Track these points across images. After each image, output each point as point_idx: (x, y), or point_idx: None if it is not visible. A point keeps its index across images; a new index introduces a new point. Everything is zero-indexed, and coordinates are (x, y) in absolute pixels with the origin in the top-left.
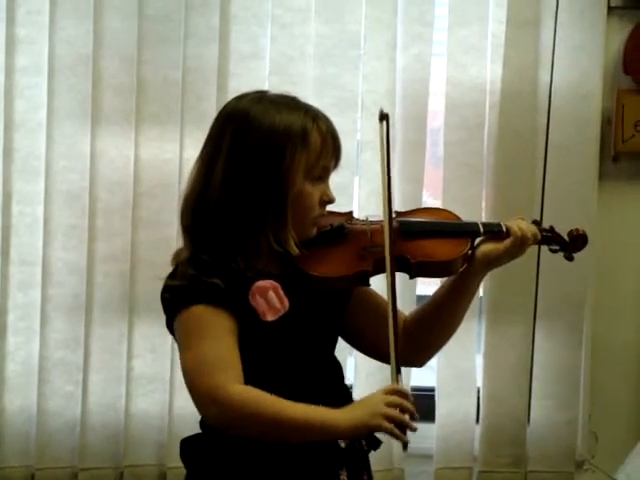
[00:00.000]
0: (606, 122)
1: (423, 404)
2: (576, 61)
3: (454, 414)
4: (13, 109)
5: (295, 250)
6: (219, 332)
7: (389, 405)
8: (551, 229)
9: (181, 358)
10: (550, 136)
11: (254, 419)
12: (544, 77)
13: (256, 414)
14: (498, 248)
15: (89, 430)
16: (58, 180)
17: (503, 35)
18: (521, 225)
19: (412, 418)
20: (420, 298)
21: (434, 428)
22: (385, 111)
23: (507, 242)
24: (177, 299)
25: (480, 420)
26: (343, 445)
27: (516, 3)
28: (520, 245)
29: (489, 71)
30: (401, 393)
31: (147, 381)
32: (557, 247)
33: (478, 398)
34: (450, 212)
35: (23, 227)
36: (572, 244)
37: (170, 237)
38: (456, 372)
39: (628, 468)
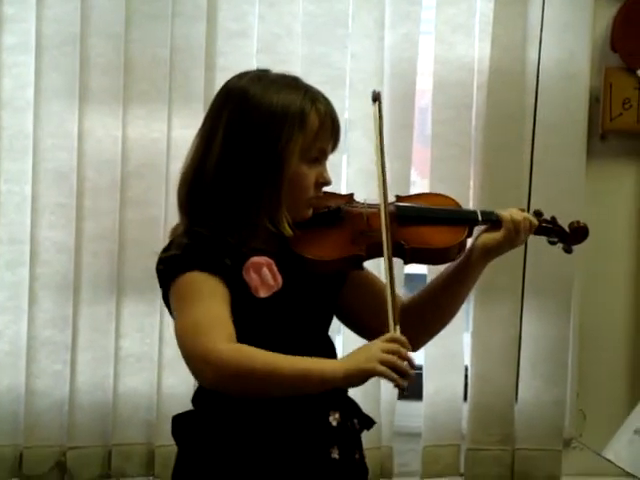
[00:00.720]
0: (594, 100)
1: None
2: (564, 39)
3: (442, 392)
4: (0, 88)
5: (288, 231)
6: (212, 296)
7: (385, 351)
8: (552, 220)
9: (175, 325)
10: (538, 115)
11: (250, 375)
12: (532, 55)
13: (251, 370)
14: (495, 237)
15: (77, 409)
16: (46, 159)
17: (491, 13)
18: (513, 214)
19: (410, 365)
20: (408, 277)
21: (422, 406)
22: (377, 90)
23: (503, 230)
24: (171, 268)
25: (468, 398)
26: (335, 424)
27: None
28: (515, 233)
29: (477, 50)
30: (398, 341)
31: (135, 360)
32: (556, 239)
33: (466, 376)
34: (452, 199)
35: (11, 206)
36: (572, 236)
37: (158, 216)
38: (444, 351)
39: (616, 446)
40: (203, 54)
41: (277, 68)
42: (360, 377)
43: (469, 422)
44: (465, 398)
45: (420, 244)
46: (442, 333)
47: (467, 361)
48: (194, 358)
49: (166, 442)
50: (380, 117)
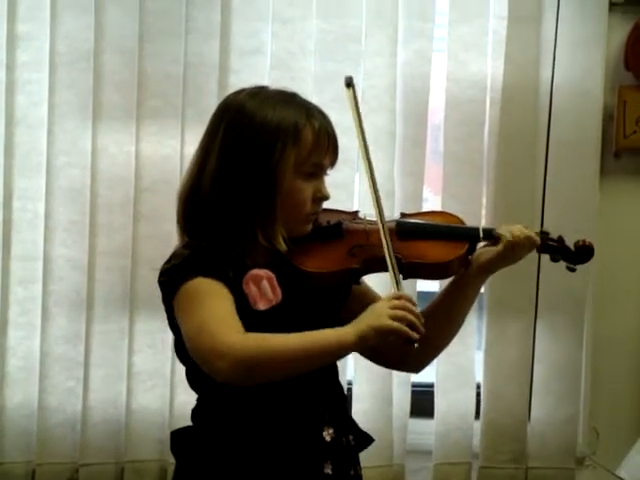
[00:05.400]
0: (608, 118)
1: (422, 400)
2: (577, 57)
3: (453, 410)
4: (14, 105)
5: (282, 246)
6: (217, 297)
7: (393, 307)
8: (559, 239)
9: (183, 331)
10: (551, 132)
11: (264, 358)
12: (545, 73)
13: (263, 352)
14: (491, 252)
15: (90, 426)
16: (59, 176)
17: (504, 31)
18: (514, 230)
19: (419, 319)
20: (421, 294)
21: (433, 424)
22: (349, 75)
23: (499, 247)
24: (174, 277)
25: (480, 416)
26: (328, 439)
27: None
28: (512, 250)
29: (490, 67)
30: (403, 297)
31: (148, 377)
32: (559, 256)
33: (478, 394)
34: (456, 217)
35: (24, 223)
36: (577, 255)
37: (171, 233)
38: (455, 368)
39: (629, 464)
40: (216, 71)
41: (289, 85)
42: (373, 335)
43: (481, 440)
44: (477, 416)
45: (417, 258)
46: (454, 350)
47: (480, 378)
48: (206, 354)
49: None
50: (356, 103)
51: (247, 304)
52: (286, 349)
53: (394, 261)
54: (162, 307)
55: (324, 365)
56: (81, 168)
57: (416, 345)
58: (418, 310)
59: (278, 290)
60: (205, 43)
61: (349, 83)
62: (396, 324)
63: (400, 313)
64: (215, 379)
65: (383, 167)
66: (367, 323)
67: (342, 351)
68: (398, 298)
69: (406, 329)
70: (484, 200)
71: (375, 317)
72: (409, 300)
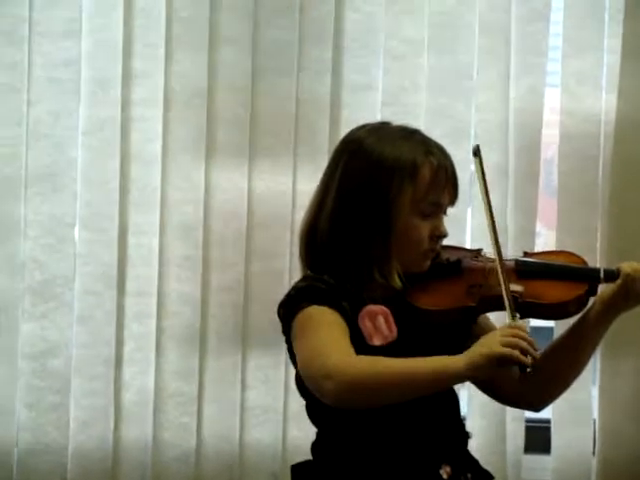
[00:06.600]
0: None
1: (539, 436)
2: None
3: (570, 446)
4: (129, 141)
5: (397, 283)
6: (331, 324)
7: (505, 336)
8: None
9: (298, 358)
10: None
11: (371, 382)
12: None
13: (370, 376)
14: (612, 289)
15: (204, 460)
16: (173, 212)
17: (618, 65)
18: (635, 265)
19: (532, 347)
20: (535, 330)
21: (550, 460)
22: (477, 144)
23: (619, 281)
24: (290, 307)
25: (596, 453)
26: (445, 477)
27: (631, 33)
28: (633, 283)
29: (604, 101)
30: (517, 326)
31: (261, 411)
32: None
33: (594, 431)
34: (579, 257)
35: (139, 259)
36: None
37: (283, 268)
38: (572, 403)
39: None
40: (328, 107)
41: (401, 120)
42: (483, 363)
43: (597, 478)
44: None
45: (534, 298)
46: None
47: (595, 414)
48: (315, 375)
49: None
50: (482, 171)
51: (362, 339)
52: (395, 374)
53: (510, 299)
54: (274, 343)
55: (433, 392)
56: (195, 204)
57: (529, 370)
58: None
59: (394, 326)
60: (317, 79)
61: (476, 152)
62: (507, 350)
63: (512, 340)
64: (324, 402)
65: (495, 202)
66: (478, 350)
67: (451, 378)
68: (512, 328)
69: (517, 353)
70: (599, 234)
71: (487, 345)
72: (521, 328)
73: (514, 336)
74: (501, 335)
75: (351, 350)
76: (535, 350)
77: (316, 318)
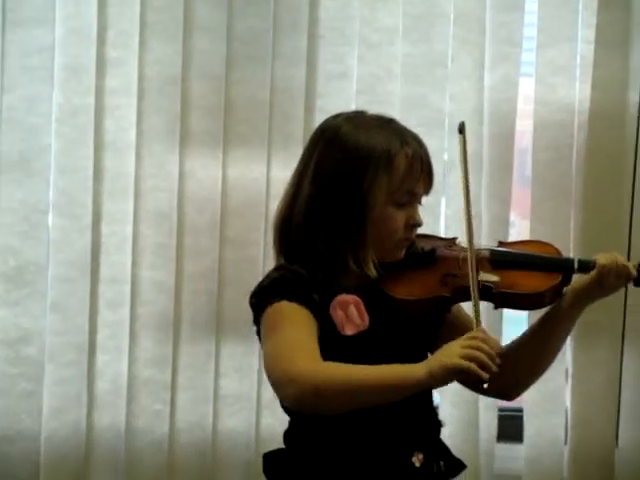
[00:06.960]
0: None
1: (511, 424)
2: None
3: (543, 435)
4: (103, 129)
5: (372, 272)
6: (298, 324)
7: (466, 347)
8: None
9: (263, 353)
10: (639, 156)
11: (332, 389)
12: (633, 97)
13: (331, 383)
14: (585, 280)
15: (177, 448)
16: (147, 200)
17: (592, 55)
18: (609, 257)
19: (491, 360)
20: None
21: (522, 448)
22: (462, 121)
23: (593, 272)
24: (261, 300)
25: (568, 441)
26: (418, 464)
27: (605, 23)
28: (606, 276)
29: (577, 91)
30: (478, 337)
31: (234, 399)
32: None
33: (566, 419)
34: (553, 247)
35: (112, 246)
36: None
37: (257, 256)
38: (544, 392)
39: None
40: (303, 96)
41: (375, 109)
42: (443, 374)
43: (569, 465)
44: (565, 441)
45: (509, 288)
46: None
47: (567, 403)
48: (277, 378)
49: None
50: (465, 149)
51: (334, 328)
52: (355, 382)
53: (477, 294)
54: (248, 331)
55: (395, 400)
56: (169, 192)
57: (485, 385)
58: (493, 350)
59: (365, 316)
60: (292, 68)
61: (461, 129)
62: (465, 363)
63: (472, 353)
64: (284, 404)
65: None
66: (439, 360)
67: (412, 386)
68: (472, 338)
69: (476, 368)
70: (572, 224)
71: (447, 356)
72: (483, 339)
73: (475, 348)
74: (461, 346)
75: (316, 353)
76: (495, 363)
77: (285, 315)
